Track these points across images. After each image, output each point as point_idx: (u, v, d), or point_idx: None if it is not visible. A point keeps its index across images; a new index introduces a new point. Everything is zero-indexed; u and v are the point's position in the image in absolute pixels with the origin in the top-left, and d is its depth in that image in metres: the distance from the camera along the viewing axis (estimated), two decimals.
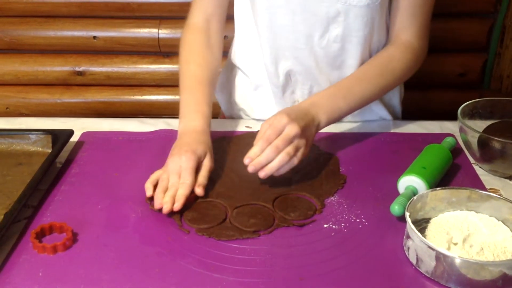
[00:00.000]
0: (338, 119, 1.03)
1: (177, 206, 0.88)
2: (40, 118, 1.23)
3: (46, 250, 0.81)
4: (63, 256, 0.81)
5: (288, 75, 1.15)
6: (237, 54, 1.22)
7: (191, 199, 0.92)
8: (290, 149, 0.91)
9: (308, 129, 0.95)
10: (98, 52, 1.78)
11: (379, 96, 1.10)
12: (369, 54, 1.12)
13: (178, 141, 0.99)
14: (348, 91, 1.03)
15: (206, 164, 0.96)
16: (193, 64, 1.11)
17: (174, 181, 0.91)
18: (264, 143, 0.91)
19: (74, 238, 0.84)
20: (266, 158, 0.91)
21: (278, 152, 0.91)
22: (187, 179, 0.91)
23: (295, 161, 0.93)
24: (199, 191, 0.92)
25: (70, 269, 0.79)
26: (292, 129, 0.92)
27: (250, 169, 0.91)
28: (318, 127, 0.99)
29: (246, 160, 0.92)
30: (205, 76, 1.09)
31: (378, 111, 1.21)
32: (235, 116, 1.28)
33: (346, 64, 1.11)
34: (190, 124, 1.02)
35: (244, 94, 1.24)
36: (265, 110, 1.21)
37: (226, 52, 1.23)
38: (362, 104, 1.06)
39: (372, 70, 1.07)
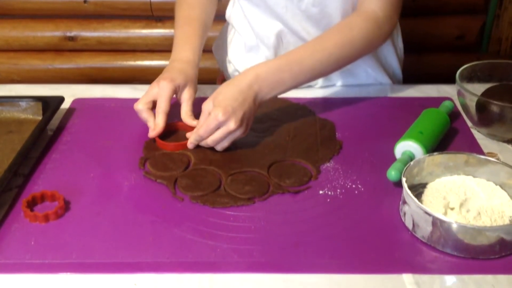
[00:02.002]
0: (282, 93, 0.98)
1: (152, 134, 0.96)
2: (31, 85, 1.21)
3: (38, 218, 0.80)
4: (55, 224, 0.80)
5: (280, 36, 1.14)
6: (232, 14, 1.20)
7: (184, 144, 0.96)
8: (226, 141, 0.93)
9: (246, 113, 0.92)
10: (89, 16, 1.75)
11: (336, 69, 1.03)
12: None
13: (164, 70, 1.02)
14: (297, 63, 0.97)
15: (185, 95, 0.99)
16: (185, 5, 1.14)
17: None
18: (200, 138, 0.93)
19: (66, 206, 0.83)
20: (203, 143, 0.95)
21: (216, 143, 0.94)
22: (161, 106, 0.96)
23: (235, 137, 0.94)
24: (188, 121, 0.97)
25: (62, 237, 0.78)
26: (228, 128, 0.90)
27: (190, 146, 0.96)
28: (260, 103, 0.95)
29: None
30: (196, 14, 1.12)
31: (377, 75, 1.18)
32: (231, 76, 1.27)
33: (331, 25, 1.07)
34: (177, 56, 1.05)
35: (238, 55, 1.22)
36: None
37: (223, 15, 1.21)
38: (313, 77, 1.01)
39: (329, 40, 1.00)
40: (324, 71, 1.02)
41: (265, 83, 0.94)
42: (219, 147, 0.94)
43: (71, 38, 1.76)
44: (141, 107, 0.97)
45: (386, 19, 1.04)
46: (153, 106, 0.98)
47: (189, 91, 1.00)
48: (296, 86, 0.99)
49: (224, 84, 0.94)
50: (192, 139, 0.94)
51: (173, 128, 1.01)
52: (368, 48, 1.05)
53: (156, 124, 0.96)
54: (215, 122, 0.90)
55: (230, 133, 0.91)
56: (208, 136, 0.92)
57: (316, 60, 0.98)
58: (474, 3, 1.73)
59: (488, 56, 1.78)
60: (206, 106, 0.93)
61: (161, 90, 0.96)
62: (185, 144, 0.96)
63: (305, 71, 0.98)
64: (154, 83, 0.98)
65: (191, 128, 0.97)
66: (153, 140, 0.98)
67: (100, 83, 1.26)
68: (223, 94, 0.92)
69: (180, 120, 0.99)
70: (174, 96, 0.99)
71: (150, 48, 1.78)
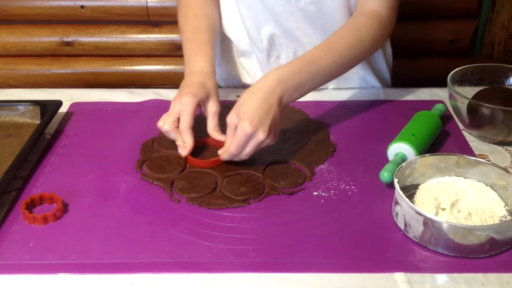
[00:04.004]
0: (301, 96, 0.96)
1: (184, 153, 0.93)
2: (29, 89, 1.23)
3: (37, 220, 0.81)
4: (53, 226, 0.82)
5: (272, 39, 1.14)
6: (225, 18, 1.19)
7: (216, 160, 0.94)
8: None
9: (273, 121, 0.89)
10: (86, 22, 1.76)
11: (346, 69, 1.04)
12: (350, 15, 1.09)
13: (181, 85, 0.99)
14: (313, 64, 0.96)
15: (210, 109, 0.97)
16: (191, 17, 1.11)
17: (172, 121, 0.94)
18: (233, 156, 0.90)
19: (65, 208, 0.84)
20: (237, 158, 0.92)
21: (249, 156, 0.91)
22: (185, 122, 0.93)
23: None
24: (216, 135, 0.96)
25: (61, 239, 0.79)
26: (258, 139, 0.88)
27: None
28: (284, 107, 0.93)
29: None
30: (204, 24, 1.09)
31: (367, 79, 1.20)
32: (227, 81, 1.28)
33: (328, 26, 1.09)
34: (193, 68, 1.02)
35: (231, 60, 1.23)
36: (251, 78, 1.22)
37: None
38: (328, 79, 1.01)
39: (341, 40, 1.01)
40: (338, 72, 1.02)
41: (287, 86, 0.92)
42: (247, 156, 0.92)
43: (68, 43, 1.77)
44: (168, 128, 0.93)
45: (389, 19, 1.06)
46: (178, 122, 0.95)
47: (213, 104, 0.97)
48: (313, 88, 0.98)
49: (246, 93, 0.91)
50: (225, 157, 0.91)
51: (200, 144, 0.98)
52: (374, 48, 1.07)
53: (185, 142, 0.93)
54: (244, 136, 0.87)
55: (260, 143, 0.89)
56: (240, 152, 0.89)
57: (332, 61, 0.98)
58: (467, 7, 1.74)
59: (481, 60, 1.79)
60: (231, 119, 0.89)
61: (184, 106, 0.93)
62: (217, 161, 0.93)
63: (323, 73, 0.98)
64: (176, 100, 0.95)
65: (218, 142, 0.95)
66: (184, 158, 0.95)
67: (97, 87, 1.27)
68: (247, 104, 0.88)
69: (206, 135, 0.97)
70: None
71: (146, 53, 1.79)
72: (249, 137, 0.87)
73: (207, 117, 0.97)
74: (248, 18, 1.12)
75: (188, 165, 0.94)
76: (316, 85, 0.98)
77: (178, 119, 0.94)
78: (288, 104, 0.94)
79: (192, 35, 1.08)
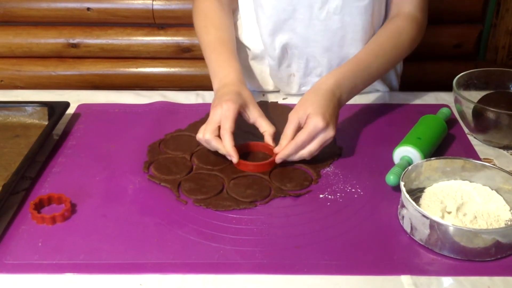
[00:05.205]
0: (352, 98, 1.02)
1: (235, 160, 0.91)
2: (36, 91, 1.24)
3: (45, 220, 0.82)
4: (62, 226, 0.82)
5: (285, 48, 1.14)
6: (238, 25, 1.20)
7: (265, 164, 0.93)
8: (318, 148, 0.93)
9: (337, 120, 0.94)
10: (92, 24, 1.77)
11: (389, 70, 1.09)
12: (370, 30, 1.10)
13: (216, 95, 0.98)
14: (366, 67, 1.01)
15: (254, 114, 0.96)
16: (211, 28, 1.11)
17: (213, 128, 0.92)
18: (298, 149, 0.91)
19: (73, 209, 0.85)
20: (296, 156, 0.93)
21: (312, 155, 0.93)
22: (226, 127, 0.91)
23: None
24: (269, 139, 0.95)
25: (69, 239, 0.80)
26: (327, 135, 0.91)
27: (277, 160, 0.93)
28: (340, 109, 0.98)
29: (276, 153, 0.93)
30: (226, 36, 1.10)
31: (376, 84, 1.20)
32: None
33: (345, 40, 1.10)
34: (225, 79, 1.01)
35: (242, 63, 1.23)
36: (261, 81, 1.22)
37: None
38: (374, 80, 1.06)
39: (386, 44, 1.05)
40: (383, 74, 1.07)
41: (344, 89, 0.97)
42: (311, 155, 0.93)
43: (74, 45, 1.78)
44: (209, 137, 0.92)
45: (424, 22, 1.10)
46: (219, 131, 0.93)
47: (255, 109, 0.96)
48: (363, 89, 1.03)
49: (308, 94, 0.94)
50: (287, 151, 0.91)
51: (244, 149, 0.97)
52: (412, 49, 1.10)
53: (229, 149, 0.91)
54: (316, 130, 0.89)
55: (327, 141, 0.91)
56: (305, 146, 0.91)
57: (379, 65, 1.03)
58: (472, 12, 1.74)
59: (485, 64, 1.79)
60: (296, 116, 0.91)
61: (225, 112, 0.92)
62: (267, 164, 0.93)
63: (372, 75, 1.03)
64: (217, 108, 0.93)
65: (258, 147, 0.96)
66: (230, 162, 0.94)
67: (102, 89, 1.28)
68: (313, 103, 0.91)
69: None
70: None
71: (152, 55, 1.79)
72: (320, 132, 0.90)
73: (254, 122, 0.96)
74: (265, 24, 1.12)
75: (195, 167, 0.95)
76: (366, 87, 1.04)
77: (219, 128, 0.93)
78: (343, 105, 0.98)
79: (216, 47, 1.07)
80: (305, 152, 0.91)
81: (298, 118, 0.92)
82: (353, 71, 0.99)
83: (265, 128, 0.96)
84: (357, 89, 1.01)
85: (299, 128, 0.92)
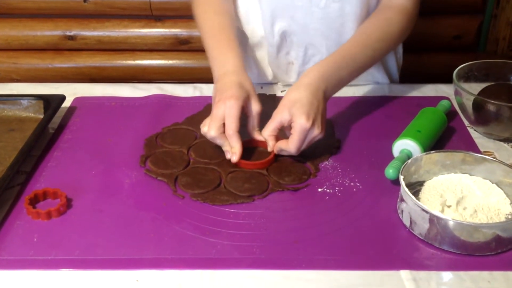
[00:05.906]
0: (339, 90, 0.99)
1: (234, 159, 0.91)
2: (32, 84, 1.22)
3: (41, 215, 0.81)
4: (57, 221, 0.81)
5: (284, 35, 1.13)
6: (239, 9, 1.18)
7: (265, 162, 0.93)
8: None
9: (323, 116, 0.92)
10: (89, 16, 1.75)
11: (377, 62, 1.07)
12: (367, 17, 1.09)
13: (217, 86, 0.96)
14: (351, 59, 0.99)
15: (254, 109, 0.95)
16: (211, 13, 1.09)
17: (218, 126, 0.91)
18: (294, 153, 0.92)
19: (68, 204, 0.84)
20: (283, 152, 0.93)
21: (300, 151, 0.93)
22: (231, 127, 0.90)
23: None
24: (258, 136, 0.95)
25: (65, 234, 0.79)
26: (313, 134, 0.90)
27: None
28: (326, 102, 0.96)
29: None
30: (226, 21, 1.08)
31: (376, 75, 1.19)
32: None
33: (344, 28, 1.09)
34: (225, 67, 0.99)
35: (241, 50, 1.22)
36: (259, 70, 1.21)
37: None
38: (362, 71, 1.03)
39: (373, 35, 1.03)
40: (370, 66, 1.04)
41: (329, 81, 0.95)
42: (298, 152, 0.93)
43: (71, 37, 1.77)
44: (214, 134, 0.90)
45: (414, 12, 1.08)
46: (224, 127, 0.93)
47: (256, 104, 0.95)
48: (350, 81, 1.01)
49: (292, 90, 0.92)
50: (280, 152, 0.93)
51: (245, 145, 0.95)
52: (401, 41, 1.10)
53: (234, 148, 0.91)
54: (303, 132, 0.89)
55: (314, 138, 0.91)
56: (300, 148, 0.91)
57: (366, 56, 1.01)
58: (472, 3, 1.73)
59: (486, 56, 1.78)
60: (282, 116, 0.91)
61: (229, 110, 0.90)
62: (270, 160, 0.93)
63: (359, 67, 1.01)
64: (220, 103, 0.91)
65: (257, 142, 0.96)
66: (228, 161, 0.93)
67: (100, 82, 1.27)
68: (296, 102, 0.90)
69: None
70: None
71: (149, 48, 1.78)
72: (306, 132, 0.89)
73: (249, 117, 0.95)
74: (265, 10, 1.10)
75: (192, 161, 0.94)
76: (353, 79, 1.01)
77: (223, 124, 0.91)
78: (329, 98, 0.96)
79: (216, 32, 1.05)
80: (292, 151, 0.91)
81: (285, 119, 0.90)
82: (337, 62, 0.97)
83: (252, 125, 0.96)
84: (343, 81, 0.98)
85: (281, 127, 0.92)
